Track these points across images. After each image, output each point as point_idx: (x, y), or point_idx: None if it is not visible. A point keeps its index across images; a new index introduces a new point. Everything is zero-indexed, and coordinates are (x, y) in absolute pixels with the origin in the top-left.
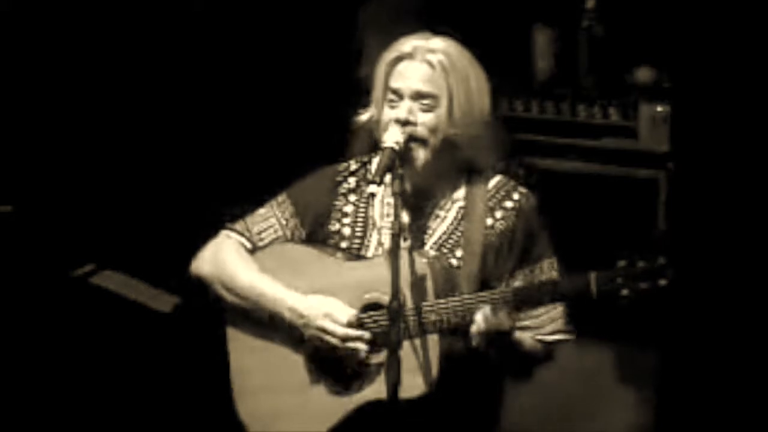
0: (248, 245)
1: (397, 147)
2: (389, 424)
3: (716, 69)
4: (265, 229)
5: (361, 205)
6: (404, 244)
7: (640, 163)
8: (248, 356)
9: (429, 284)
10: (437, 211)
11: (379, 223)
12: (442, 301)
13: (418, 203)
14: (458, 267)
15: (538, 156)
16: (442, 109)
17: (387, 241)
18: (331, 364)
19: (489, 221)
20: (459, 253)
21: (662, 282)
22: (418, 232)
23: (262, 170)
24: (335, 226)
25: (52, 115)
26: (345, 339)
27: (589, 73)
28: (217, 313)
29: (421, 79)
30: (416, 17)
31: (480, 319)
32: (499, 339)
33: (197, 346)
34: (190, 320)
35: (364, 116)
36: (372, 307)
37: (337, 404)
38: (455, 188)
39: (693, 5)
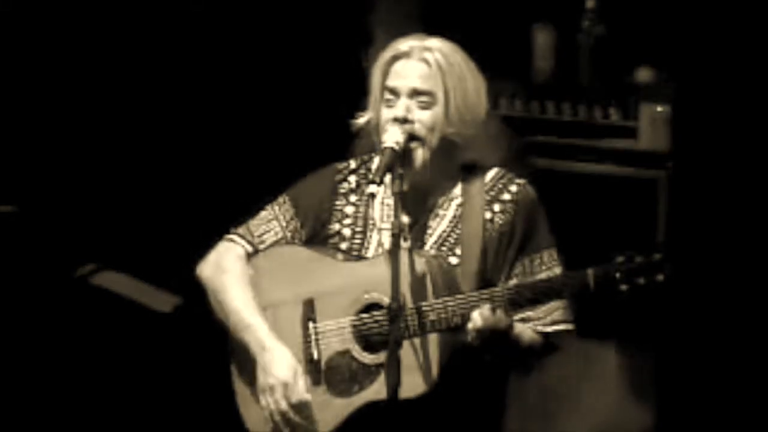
0: (249, 249)
1: (396, 147)
2: (390, 424)
3: (717, 69)
4: (267, 232)
5: (362, 205)
6: (404, 244)
7: (640, 163)
8: (250, 361)
9: (428, 284)
10: (436, 210)
11: (379, 224)
12: (441, 300)
13: (417, 203)
14: (457, 266)
15: (539, 156)
16: (439, 107)
17: (387, 241)
18: (331, 366)
19: (487, 215)
20: (458, 251)
21: (659, 277)
22: (417, 231)
23: (264, 171)
24: (336, 227)
25: (54, 116)
26: (284, 414)
27: (589, 73)
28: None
29: (418, 76)
30: (420, 19)
31: (476, 318)
32: (497, 337)
33: (197, 346)
34: (190, 320)
35: (361, 119)
36: (372, 307)
37: (338, 406)
38: (453, 186)
39: (693, 5)
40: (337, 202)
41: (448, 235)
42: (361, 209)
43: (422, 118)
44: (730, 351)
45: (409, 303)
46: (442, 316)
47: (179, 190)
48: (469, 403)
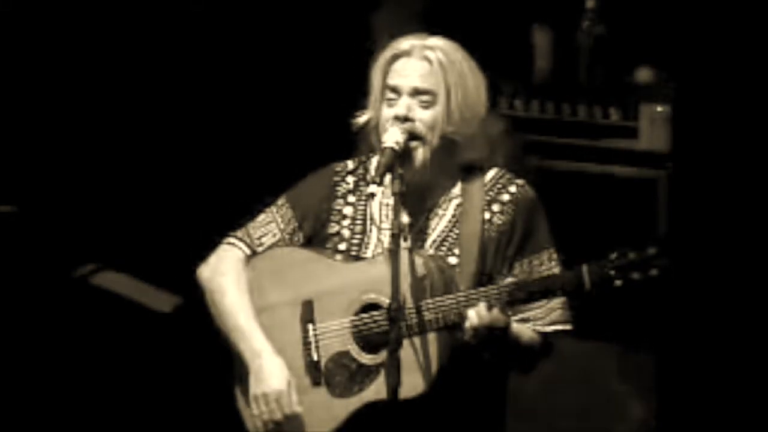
0: (248, 251)
1: (397, 147)
2: (390, 424)
3: (717, 69)
4: (265, 234)
5: (360, 205)
6: (403, 244)
7: (640, 163)
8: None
9: (427, 284)
10: (435, 210)
11: (378, 224)
12: (438, 299)
13: (417, 202)
14: (456, 266)
15: (538, 156)
16: (440, 107)
17: (386, 241)
18: (331, 367)
19: (486, 215)
20: (457, 251)
21: (654, 272)
22: (417, 231)
23: (265, 170)
24: (334, 228)
25: (54, 116)
26: (277, 424)
27: (589, 73)
28: None
29: (419, 75)
30: (421, 19)
31: (473, 316)
32: (495, 335)
33: (197, 346)
34: (190, 320)
35: (361, 118)
36: (370, 307)
37: (338, 407)
38: (452, 186)
39: (693, 5)
40: (336, 203)
41: (447, 235)
42: (360, 210)
43: (423, 117)
44: (730, 350)
45: (408, 302)
46: (440, 314)
47: (179, 190)
48: (469, 403)
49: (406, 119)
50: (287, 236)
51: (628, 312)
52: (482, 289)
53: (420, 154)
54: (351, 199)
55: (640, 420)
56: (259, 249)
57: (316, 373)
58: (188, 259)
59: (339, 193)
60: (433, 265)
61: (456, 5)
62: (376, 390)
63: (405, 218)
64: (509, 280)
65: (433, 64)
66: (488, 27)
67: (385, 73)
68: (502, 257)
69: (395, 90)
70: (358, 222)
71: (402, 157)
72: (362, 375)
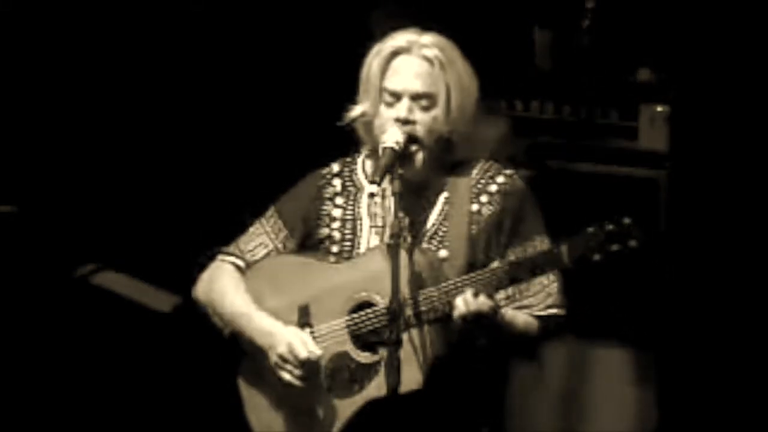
0: (241, 264)
1: (397, 147)
2: (393, 419)
3: (716, 69)
4: (257, 246)
5: (349, 207)
6: (403, 244)
7: (640, 163)
8: (257, 365)
9: (418, 278)
10: (425, 206)
11: (368, 223)
12: (426, 291)
13: (412, 200)
14: (445, 259)
15: (538, 156)
16: (440, 108)
17: (376, 240)
18: (331, 369)
19: (474, 207)
20: (446, 244)
21: (632, 243)
22: (409, 227)
23: (264, 170)
24: (325, 231)
25: (54, 116)
26: (298, 366)
27: (589, 73)
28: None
29: (420, 78)
30: (421, 19)
31: (460, 303)
32: (485, 321)
33: (197, 346)
34: (190, 320)
35: (354, 112)
36: (364, 305)
37: (342, 407)
38: (442, 181)
39: (693, 6)
40: (324, 207)
41: (438, 229)
42: (349, 211)
43: (423, 119)
44: (731, 350)
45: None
46: (430, 306)
47: (179, 190)
48: (468, 395)
49: (407, 121)
50: (279, 245)
51: (628, 312)
52: (465, 277)
53: (420, 155)
54: (339, 201)
55: (640, 420)
56: (252, 260)
57: (317, 375)
58: (188, 259)
59: (326, 197)
60: (424, 260)
61: (456, 5)
62: (377, 386)
63: (405, 218)
64: (492, 265)
65: (433, 63)
66: (488, 27)
67: (383, 71)
68: (495, 247)
69: (395, 94)
70: (348, 223)
71: (401, 157)
72: (362, 373)
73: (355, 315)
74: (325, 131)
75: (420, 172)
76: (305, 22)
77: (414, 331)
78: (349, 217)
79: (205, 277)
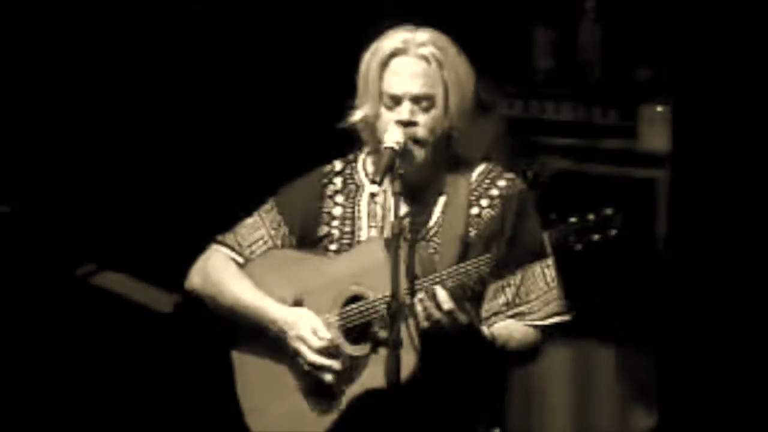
0: (240, 260)
1: (397, 147)
2: (386, 415)
3: (716, 69)
4: (255, 241)
5: (348, 205)
6: (403, 244)
7: (640, 163)
8: (255, 365)
9: (410, 275)
10: (426, 206)
11: (367, 223)
12: (409, 284)
13: (413, 200)
14: (439, 258)
15: (538, 156)
16: (440, 107)
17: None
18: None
19: (475, 210)
20: (438, 244)
21: (612, 232)
22: (409, 227)
23: (263, 170)
24: (325, 229)
25: (53, 116)
26: (320, 351)
27: (589, 74)
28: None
29: (419, 79)
30: (421, 19)
31: (417, 305)
32: (461, 330)
33: (197, 346)
34: (190, 320)
35: (354, 117)
36: (354, 299)
37: (339, 397)
38: (441, 179)
39: (693, 5)
40: (325, 205)
41: (436, 230)
42: (349, 210)
43: (425, 120)
44: (730, 350)
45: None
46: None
47: (179, 190)
48: (467, 388)
49: (409, 123)
50: (279, 242)
51: (628, 312)
52: (445, 270)
53: (420, 154)
54: (339, 199)
55: (640, 420)
56: (251, 257)
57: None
58: (188, 259)
59: (327, 195)
60: (419, 259)
61: (456, 5)
62: (369, 375)
63: (405, 218)
64: (471, 260)
65: (431, 62)
66: (488, 27)
67: (381, 73)
68: (495, 249)
69: (395, 98)
70: (347, 222)
71: (402, 156)
72: (354, 366)
73: (347, 308)
74: (325, 130)
75: (420, 172)
76: (305, 22)
77: (403, 325)
78: (348, 215)
79: (198, 265)
